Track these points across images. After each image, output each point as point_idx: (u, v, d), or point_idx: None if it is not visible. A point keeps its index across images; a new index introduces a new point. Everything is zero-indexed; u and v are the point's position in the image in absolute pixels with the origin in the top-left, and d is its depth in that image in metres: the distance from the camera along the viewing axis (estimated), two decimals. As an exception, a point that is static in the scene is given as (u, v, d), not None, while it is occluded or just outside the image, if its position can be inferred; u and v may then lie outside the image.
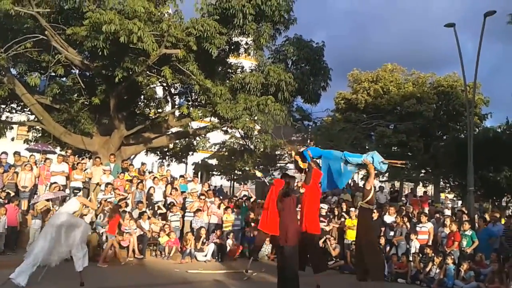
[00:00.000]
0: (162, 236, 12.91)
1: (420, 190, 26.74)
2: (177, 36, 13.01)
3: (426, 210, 15.16)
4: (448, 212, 16.08)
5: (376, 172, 9.87)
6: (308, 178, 9.71)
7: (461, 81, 20.56)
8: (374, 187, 9.71)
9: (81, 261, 8.26)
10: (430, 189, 32.79)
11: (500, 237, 11.95)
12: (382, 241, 12.81)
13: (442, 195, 30.67)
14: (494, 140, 19.90)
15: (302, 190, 9.28)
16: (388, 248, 12.82)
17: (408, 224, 13.17)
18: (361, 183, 25.03)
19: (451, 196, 29.72)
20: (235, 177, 29.45)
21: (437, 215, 14.04)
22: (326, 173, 10.33)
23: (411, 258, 11.89)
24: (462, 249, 11.66)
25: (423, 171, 26.67)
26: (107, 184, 13.71)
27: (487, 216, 13.67)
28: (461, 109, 24.90)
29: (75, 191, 11.21)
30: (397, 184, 28.45)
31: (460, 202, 25.67)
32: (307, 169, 9.81)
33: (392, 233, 13.14)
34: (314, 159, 10.13)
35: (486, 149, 17.89)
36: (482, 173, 18.99)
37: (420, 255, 11.78)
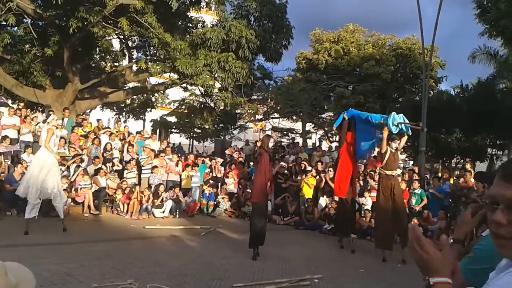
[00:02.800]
0: (119, 194, 12.80)
1: (374, 151, 27.51)
2: (135, -14, 12.50)
3: (379, 169, 15.63)
4: (399, 171, 16.66)
5: (400, 134, 9.15)
6: (340, 140, 9.83)
7: (420, 44, 20.89)
8: (395, 150, 9.10)
9: (62, 210, 9.28)
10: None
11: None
12: (337, 198, 13.21)
13: (396, 156, 31.64)
14: (447, 103, 20.55)
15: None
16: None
17: (362, 182, 13.63)
18: (318, 143, 25.43)
19: (403, 156, 30.73)
20: (194, 135, 29.25)
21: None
22: (362, 137, 9.96)
23: (363, 214, 12.37)
24: (412, 206, 12.18)
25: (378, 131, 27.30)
26: (60, 138, 13.31)
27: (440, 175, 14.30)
28: (418, 71, 25.41)
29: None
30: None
31: (411, 162, 26.62)
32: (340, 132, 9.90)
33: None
34: (348, 120, 9.92)
35: (439, 111, 18.45)
36: (434, 135, 19.67)
37: (371, 212, 12.24)
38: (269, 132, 34.92)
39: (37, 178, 8.83)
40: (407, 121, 9.11)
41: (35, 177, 8.84)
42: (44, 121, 9.79)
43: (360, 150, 10.03)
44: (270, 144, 8.84)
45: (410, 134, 9.39)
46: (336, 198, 13.20)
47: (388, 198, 8.93)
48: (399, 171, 16.45)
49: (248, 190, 13.81)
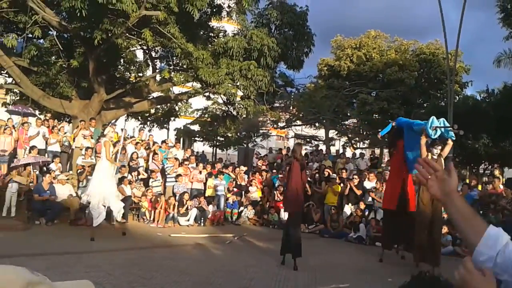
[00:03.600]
0: (144, 201, 12.91)
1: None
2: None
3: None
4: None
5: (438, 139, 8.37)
6: (389, 151, 9.53)
7: (443, 48, 20.60)
8: (437, 156, 8.30)
9: (116, 214, 10.14)
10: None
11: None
12: (362, 206, 13.07)
13: (421, 162, 31.12)
14: (473, 108, 20.13)
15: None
16: (367, 212, 13.08)
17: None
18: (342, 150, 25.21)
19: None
20: (217, 143, 29.42)
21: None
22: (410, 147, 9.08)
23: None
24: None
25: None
26: (87, 148, 13.57)
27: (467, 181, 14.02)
28: (442, 77, 25.05)
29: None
30: (377, 151, 28.87)
31: (438, 169, 26.11)
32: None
33: (370, 199, 13.38)
34: (396, 128, 9.32)
35: (465, 117, 18.09)
36: (460, 141, 19.27)
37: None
38: (292, 140, 34.90)
39: (99, 187, 9.62)
40: (447, 124, 8.49)
41: (97, 187, 9.65)
42: (104, 134, 10.53)
43: (410, 161, 9.16)
44: (303, 152, 8.71)
45: (454, 139, 8.58)
46: (363, 207, 13.12)
47: (428, 209, 8.25)
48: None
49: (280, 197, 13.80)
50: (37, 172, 12.86)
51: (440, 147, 8.38)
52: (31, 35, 14.15)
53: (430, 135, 8.27)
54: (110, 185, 9.84)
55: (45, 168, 13.17)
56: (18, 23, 14.23)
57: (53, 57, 15.30)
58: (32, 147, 13.11)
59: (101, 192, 9.61)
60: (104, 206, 9.76)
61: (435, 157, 8.32)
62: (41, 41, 15.60)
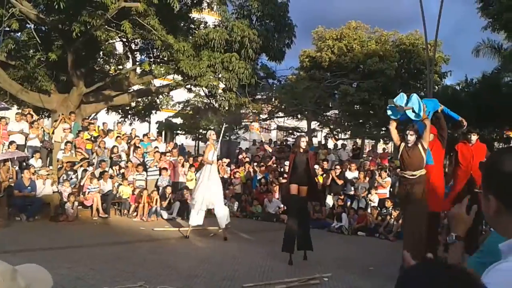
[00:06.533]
0: (123, 190, 12.84)
1: (380, 147, 27.43)
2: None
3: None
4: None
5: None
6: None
7: (423, 39, 20.83)
8: (413, 144, 6.95)
9: (221, 220, 9.85)
10: (390, 146, 33.66)
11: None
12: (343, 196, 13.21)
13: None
14: (453, 98, 20.40)
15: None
16: (349, 202, 13.21)
17: (367, 178, 13.63)
18: (323, 141, 25.40)
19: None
20: (199, 136, 29.27)
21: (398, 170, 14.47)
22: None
23: (369, 211, 12.36)
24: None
25: (383, 128, 27.23)
26: (67, 142, 13.38)
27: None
28: (422, 67, 25.30)
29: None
30: (358, 141, 29.07)
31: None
32: None
33: (353, 188, 13.52)
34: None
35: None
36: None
37: (379, 209, 12.20)
38: (274, 131, 34.95)
39: (202, 188, 9.90)
40: (416, 103, 7.00)
41: (201, 188, 9.95)
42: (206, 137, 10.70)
43: None
44: (303, 144, 8.50)
45: (415, 118, 7.07)
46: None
47: (403, 208, 7.48)
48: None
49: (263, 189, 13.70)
50: (17, 168, 12.66)
51: (411, 133, 6.98)
52: (8, 29, 13.89)
53: (388, 113, 7.28)
54: (216, 189, 10.02)
55: (24, 164, 12.98)
56: (-6, 16, 13.92)
57: (31, 51, 15.04)
58: (11, 142, 12.87)
59: (207, 195, 9.80)
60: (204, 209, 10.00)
61: (409, 145, 6.96)
62: (19, 34, 15.33)
